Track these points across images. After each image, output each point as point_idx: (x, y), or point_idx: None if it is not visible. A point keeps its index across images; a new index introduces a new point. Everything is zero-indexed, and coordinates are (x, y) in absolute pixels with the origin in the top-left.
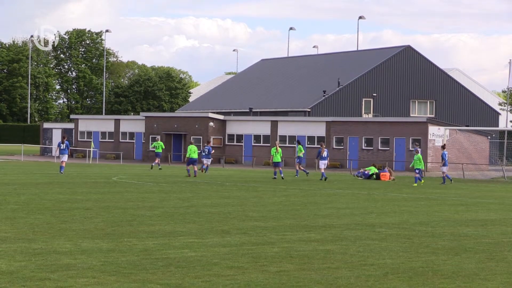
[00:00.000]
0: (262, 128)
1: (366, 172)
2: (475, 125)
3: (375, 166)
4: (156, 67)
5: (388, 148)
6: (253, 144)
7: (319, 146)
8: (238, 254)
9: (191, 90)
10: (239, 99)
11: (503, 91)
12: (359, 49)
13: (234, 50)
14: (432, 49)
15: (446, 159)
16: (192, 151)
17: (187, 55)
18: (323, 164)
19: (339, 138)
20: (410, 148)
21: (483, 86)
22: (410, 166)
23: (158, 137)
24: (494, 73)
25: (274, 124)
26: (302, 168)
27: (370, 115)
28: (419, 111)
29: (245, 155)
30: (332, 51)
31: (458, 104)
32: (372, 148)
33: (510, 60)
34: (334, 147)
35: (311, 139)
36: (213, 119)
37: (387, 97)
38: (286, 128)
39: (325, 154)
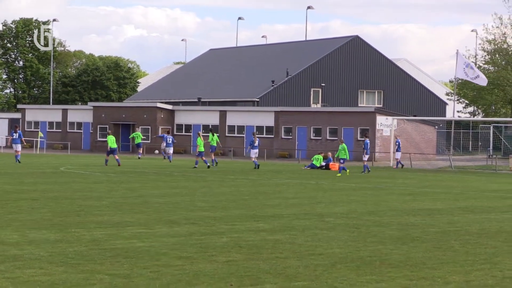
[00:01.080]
0: (210, 118)
1: (312, 164)
2: (423, 115)
3: (320, 154)
4: (104, 56)
5: (336, 138)
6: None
7: (267, 136)
8: (186, 244)
9: (139, 80)
10: (188, 89)
11: (450, 81)
12: (308, 39)
13: (182, 40)
14: (381, 39)
15: (368, 148)
16: (111, 141)
17: (136, 44)
18: (254, 153)
19: (287, 128)
20: (359, 138)
21: (431, 76)
22: (336, 156)
23: (138, 128)
24: (442, 63)
25: (223, 114)
26: (213, 157)
27: (319, 105)
28: (367, 101)
29: (194, 145)
30: (281, 41)
31: (406, 94)
32: (320, 138)
33: (457, 50)
34: (283, 137)
35: (260, 129)
36: (161, 109)
37: (335, 87)
38: (235, 118)
39: (256, 143)
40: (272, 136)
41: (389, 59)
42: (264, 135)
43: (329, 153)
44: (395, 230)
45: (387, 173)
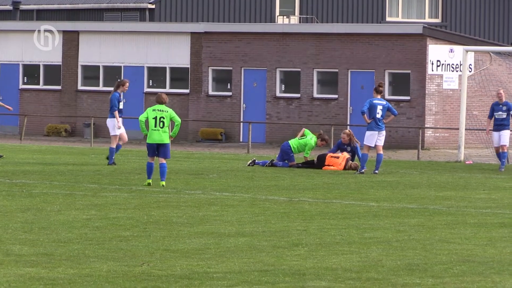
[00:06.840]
0: (43, 48)
1: (285, 153)
2: None
3: (316, 135)
4: None
5: (336, 96)
6: None
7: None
8: None
9: None
10: None
11: None
12: None
13: None
14: None
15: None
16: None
17: None
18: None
19: (222, 71)
20: (388, 96)
21: None
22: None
23: None
24: None
25: (71, 39)
26: None
27: (294, 19)
28: (406, 11)
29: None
30: None
31: None
32: (298, 95)
33: None
34: (211, 93)
35: (157, 73)
36: None
37: None
38: (98, 49)
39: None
40: (187, 90)
41: None
42: (167, 89)
43: (347, 133)
44: None
45: (453, 178)
